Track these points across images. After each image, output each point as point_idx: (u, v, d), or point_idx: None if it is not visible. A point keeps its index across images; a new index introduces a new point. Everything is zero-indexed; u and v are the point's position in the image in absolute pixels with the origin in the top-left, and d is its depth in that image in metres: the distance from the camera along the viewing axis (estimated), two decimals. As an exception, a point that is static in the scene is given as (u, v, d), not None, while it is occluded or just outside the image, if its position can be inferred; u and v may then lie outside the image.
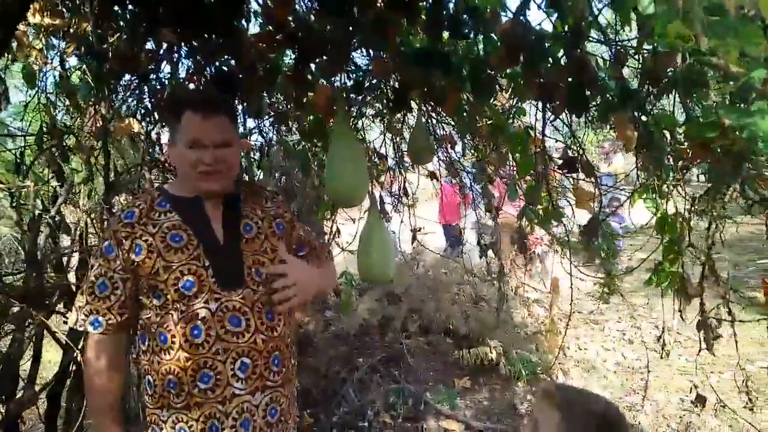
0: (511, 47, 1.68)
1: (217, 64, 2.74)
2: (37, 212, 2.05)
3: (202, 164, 1.47)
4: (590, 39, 1.64)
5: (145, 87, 2.87)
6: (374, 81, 2.75)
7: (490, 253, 4.63)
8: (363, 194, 1.99)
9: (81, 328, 1.50)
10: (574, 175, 1.92)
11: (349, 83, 2.85)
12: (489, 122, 2.24)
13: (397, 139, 3.24)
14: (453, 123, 2.81)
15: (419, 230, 3.48)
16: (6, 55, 1.95)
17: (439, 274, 5.53)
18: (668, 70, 1.44)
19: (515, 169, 2.44)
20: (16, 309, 2.03)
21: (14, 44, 2.08)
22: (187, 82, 2.81)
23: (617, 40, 1.60)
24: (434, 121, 2.86)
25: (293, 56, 2.65)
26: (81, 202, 2.20)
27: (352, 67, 2.73)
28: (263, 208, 1.66)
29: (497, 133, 2.19)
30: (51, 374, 3.03)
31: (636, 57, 1.59)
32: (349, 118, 2.19)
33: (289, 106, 3.47)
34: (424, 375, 4.28)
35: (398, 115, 3.26)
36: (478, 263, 5.10)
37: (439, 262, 5.67)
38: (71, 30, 2.05)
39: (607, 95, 1.67)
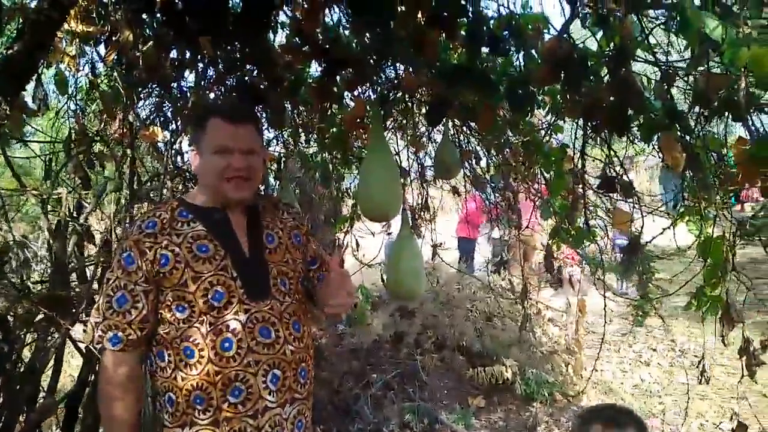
0: (553, 65, 1.66)
1: (239, 74, 2.75)
2: (65, 219, 2.02)
3: (231, 170, 1.46)
4: (636, 58, 1.61)
5: (166, 95, 2.88)
6: (399, 94, 2.74)
7: (506, 269, 4.60)
8: (396, 209, 1.97)
9: (99, 345, 1.44)
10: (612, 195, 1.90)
11: (373, 96, 2.85)
12: (524, 139, 2.22)
13: (421, 153, 3.22)
14: (480, 138, 2.79)
15: (440, 245, 3.45)
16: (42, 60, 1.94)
17: (452, 290, 5.48)
18: (720, 92, 1.41)
19: (546, 186, 2.41)
20: (39, 317, 2.00)
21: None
22: (208, 92, 2.82)
23: (666, 60, 1.58)
24: (460, 136, 2.84)
25: (319, 68, 2.65)
26: (109, 210, 2.18)
27: (377, 80, 2.72)
28: (281, 219, 1.66)
29: (531, 150, 2.17)
30: (65, 383, 3.01)
31: (685, 78, 1.56)
32: (383, 132, 2.17)
33: (310, 117, 3.47)
34: (438, 392, 4.22)
35: (423, 129, 3.25)
36: (492, 279, 5.07)
37: (452, 277, 5.62)
38: (112, 38, 2.04)
39: (651, 115, 1.64)
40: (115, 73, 2.26)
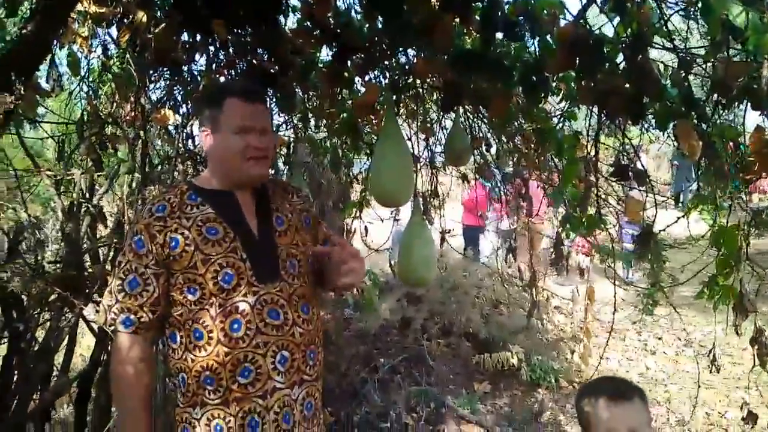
0: (569, 50, 1.65)
1: (249, 58, 2.74)
2: (79, 201, 2.04)
3: (251, 149, 1.48)
4: (654, 45, 1.60)
5: (176, 78, 2.87)
6: (409, 80, 2.72)
7: (512, 257, 4.60)
8: (408, 195, 1.97)
9: (111, 328, 1.46)
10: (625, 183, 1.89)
11: (384, 82, 2.83)
12: (536, 126, 2.21)
13: (431, 139, 3.21)
14: (491, 125, 2.77)
15: (448, 232, 3.45)
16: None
17: (458, 276, 5.49)
18: (739, 80, 1.39)
19: (558, 174, 2.40)
20: (52, 297, 2.02)
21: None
22: (218, 75, 2.81)
23: (685, 47, 1.56)
24: (471, 123, 2.83)
25: (329, 53, 2.64)
26: (122, 191, 2.19)
27: (389, 66, 2.71)
28: (290, 202, 1.67)
29: (543, 137, 2.16)
30: (76, 362, 3.05)
31: (703, 65, 1.55)
32: (396, 117, 2.16)
33: (320, 103, 3.46)
34: (444, 378, 4.25)
35: (433, 115, 3.24)
36: (500, 266, 5.07)
37: (458, 264, 5.63)
38: (123, 20, 2.04)
39: (667, 102, 1.63)
40: (128, 56, 2.25)
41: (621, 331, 5.38)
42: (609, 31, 1.73)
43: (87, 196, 2.21)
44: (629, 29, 1.59)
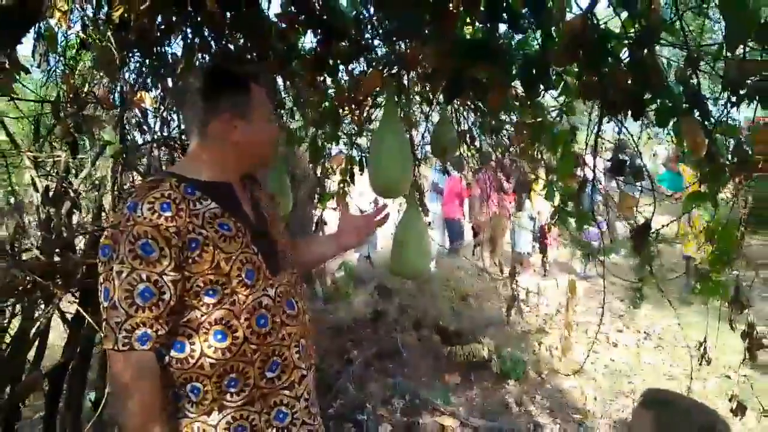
0: (574, 44, 1.65)
1: (224, 41, 2.65)
2: (60, 185, 1.91)
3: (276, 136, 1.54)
4: (661, 42, 1.62)
5: (151, 60, 2.75)
6: (394, 71, 2.68)
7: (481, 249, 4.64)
8: (407, 186, 1.94)
9: (125, 348, 1.24)
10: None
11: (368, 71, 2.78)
12: (533, 120, 2.21)
13: (414, 131, 3.18)
14: (482, 117, 2.76)
15: (429, 224, 3.44)
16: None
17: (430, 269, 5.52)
18: (750, 78, 1.42)
19: (547, 169, 2.42)
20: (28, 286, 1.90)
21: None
22: (194, 60, 2.70)
23: (696, 44, 1.58)
24: (458, 115, 2.82)
25: (313, 39, 2.57)
26: (105, 176, 2.07)
27: (378, 56, 2.66)
28: (259, 191, 1.64)
29: (537, 131, 2.16)
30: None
31: (711, 63, 1.57)
32: (397, 106, 2.12)
33: (303, 92, 3.38)
34: (417, 370, 4.25)
35: (419, 107, 3.22)
36: (470, 260, 5.12)
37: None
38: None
39: (669, 100, 1.65)
40: (109, 33, 2.13)
41: (583, 324, 5.51)
42: (615, 25, 1.74)
43: (64, 180, 2.09)
44: (636, 24, 1.61)
